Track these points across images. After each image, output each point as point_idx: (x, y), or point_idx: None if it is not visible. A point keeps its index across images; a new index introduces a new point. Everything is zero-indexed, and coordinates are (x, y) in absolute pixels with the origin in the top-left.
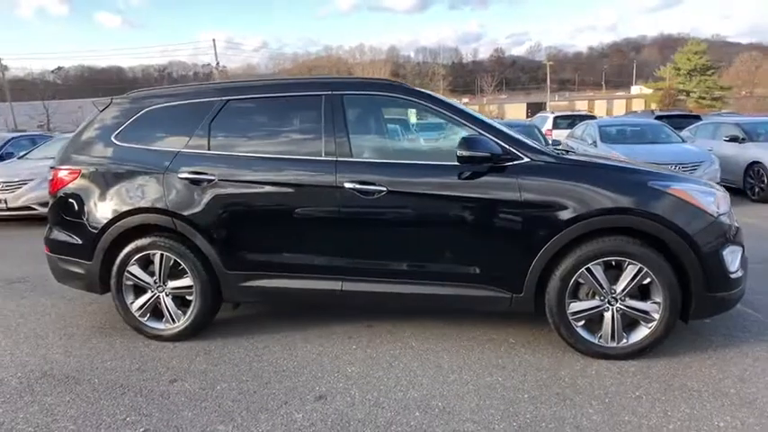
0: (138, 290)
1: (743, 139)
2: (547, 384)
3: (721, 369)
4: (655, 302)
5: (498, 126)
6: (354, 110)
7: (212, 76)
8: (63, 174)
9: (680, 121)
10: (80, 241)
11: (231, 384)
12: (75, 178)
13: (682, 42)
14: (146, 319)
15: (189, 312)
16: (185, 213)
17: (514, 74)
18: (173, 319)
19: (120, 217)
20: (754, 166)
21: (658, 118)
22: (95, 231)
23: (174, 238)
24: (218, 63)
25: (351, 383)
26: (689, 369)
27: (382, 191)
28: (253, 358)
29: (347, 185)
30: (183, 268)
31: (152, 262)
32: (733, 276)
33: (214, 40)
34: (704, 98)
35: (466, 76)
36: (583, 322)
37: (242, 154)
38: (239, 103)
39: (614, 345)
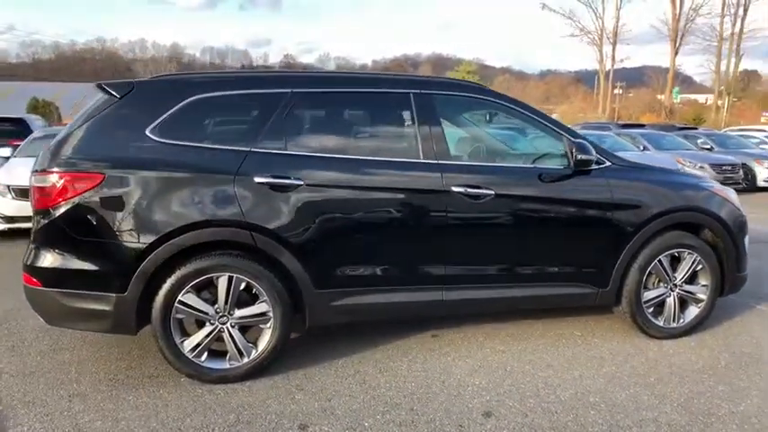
0: (185, 325)
1: None
2: (654, 367)
3: (751, 336)
4: (703, 285)
5: (580, 133)
6: (446, 110)
7: None
8: (66, 180)
9: None
10: (105, 268)
11: (376, 417)
12: (95, 185)
13: (451, 62)
14: (203, 359)
15: (266, 344)
16: (268, 226)
17: None
18: (240, 355)
19: (174, 233)
20: None
21: None
22: (134, 253)
23: (248, 257)
24: None
25: (497, 395)
26: (732, 338)
27: (490, 194)
28: (358, 384)
29: (455, 189)
30: (255, 293)
31: (210, 287)
32: (747, 258)
33: None
34: None
35: None
36: (652, 309)
37: (329, 155)
38: (314, 97)
39: (675, 325)
